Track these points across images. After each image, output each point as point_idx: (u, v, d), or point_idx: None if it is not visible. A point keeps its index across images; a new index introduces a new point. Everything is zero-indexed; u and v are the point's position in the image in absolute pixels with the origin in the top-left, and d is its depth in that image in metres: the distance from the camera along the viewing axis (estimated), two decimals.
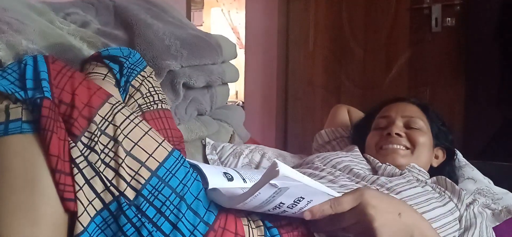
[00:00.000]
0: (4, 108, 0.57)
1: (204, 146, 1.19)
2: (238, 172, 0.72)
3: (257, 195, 0.57)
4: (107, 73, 0.75)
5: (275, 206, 0.61)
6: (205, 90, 1.18)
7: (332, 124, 1.35)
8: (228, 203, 0.63)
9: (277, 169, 0.53)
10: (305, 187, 0.57)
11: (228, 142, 1.30)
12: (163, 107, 0.81)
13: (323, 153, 1.05)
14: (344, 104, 1.42)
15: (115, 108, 0.61)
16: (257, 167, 1.16)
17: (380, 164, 0.97)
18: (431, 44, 2.21)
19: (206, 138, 1.20)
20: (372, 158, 1.00)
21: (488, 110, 2.02)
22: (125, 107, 0.63)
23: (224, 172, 0.69)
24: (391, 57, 2.33)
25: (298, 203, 0.61)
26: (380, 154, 1.01)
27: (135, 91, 0.77)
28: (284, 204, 0.60)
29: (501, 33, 2.00)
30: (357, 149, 1.07)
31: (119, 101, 0.63)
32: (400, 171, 0.94)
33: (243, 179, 0.70)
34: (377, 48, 2.37)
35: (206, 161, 1.16)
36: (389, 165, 0.96)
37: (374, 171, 0.97)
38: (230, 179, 0.68)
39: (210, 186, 0.65)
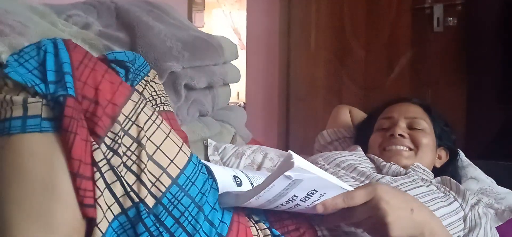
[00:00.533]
0: (22, 102, 0.51)
1: (206, 147, 1.19)
2: (247, 176, 0.72)
3: (271, 187, 0.57)
4: None
5: (288, 199, 0.61)
6: (206, 91, 1.18)
7: (334, 125, 1.34)
8: (239, 201, 0.62)
9: (292, 160, 0.53)
10: (319, 180, 0.57)
11: (230, 143, 1.30)
12: (166, 109, 0.80)
13: (326, 152, 1.05)
14: (345, 105, 1.42)
15: (138, 107, 0.58)
16: (259, 167, 1.16)
17: (384, 163, 0.97)
18: (433, 44, 2.21)
19: (208, 139, 1.20)
20: (376, 157, 1.00)
21: (491, 109, 2.02)
22: (147, 106, 0.59)
23: (233, 175, 0.69)
24: (393, 57, 2.33)
25: (311, 196, 0.60)
26: (384, 155, 1.01)
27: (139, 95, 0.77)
28: (297, 197, 0.60)
29: (503, 32, 2.00)
30: (360, 149, 1.07)
31: (140, 98, 0.59)
32: (404, 170, 0.94)
33: (251, 184, 0.70)
34: (379, 49, 2.37)
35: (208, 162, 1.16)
36: (393, 164, 0.96)
37: (379, 170, 0.97)
38: (239, 184, 0.68)
39: (220, 192, 0.64)
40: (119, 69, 0.74)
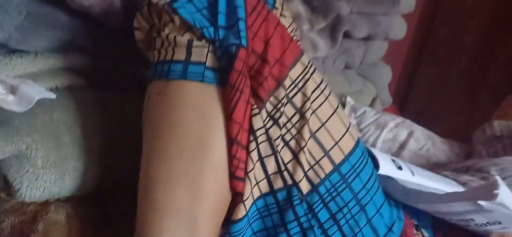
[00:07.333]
0: (186, 43, 0.44)
1: (342, 105, 1.03)
2: (404, 163, 0.62)
3: (454, 204, 0.51)
4: None
5: (462, 218, 0.54)
6: (361, 42, 0.98)
7: (506, 117, 1.08)
8: (406, 199, 0.56)
9: (496, 192, 0.46)
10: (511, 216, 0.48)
11: (369, 106, 1.12)
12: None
13: (502, 160, 0.82)
14: None
15: (307, 72, 0.48)
16: (402, 146, 0.98)
17: None
18: None
19: (347, 96, 1.04)
20: None
21: None
22: (316, 71, 0.49)
23: (392, 159, 0.60)
24: None
25: (490, 225, 0.53)
26: None
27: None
28: (474, 220, 0.53)
29: None
30: None
31: (310, 61, 0.49)
32: None
33: (411, 172, 0.60)
34: None
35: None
36: None
37: None
38: (399, 168, 0.59)
39: (380, 171, 0.55)
40: None
